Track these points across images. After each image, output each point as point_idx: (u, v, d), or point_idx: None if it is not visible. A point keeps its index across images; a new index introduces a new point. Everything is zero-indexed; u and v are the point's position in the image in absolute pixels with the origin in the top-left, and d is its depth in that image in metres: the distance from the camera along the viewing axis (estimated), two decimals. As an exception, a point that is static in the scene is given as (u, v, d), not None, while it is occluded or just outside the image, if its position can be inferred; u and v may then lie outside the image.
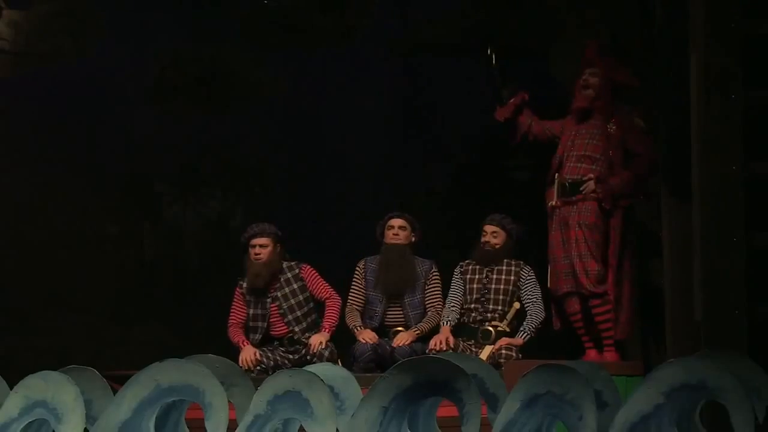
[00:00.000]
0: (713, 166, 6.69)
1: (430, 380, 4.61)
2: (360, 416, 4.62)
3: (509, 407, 4.57)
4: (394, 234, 7.99)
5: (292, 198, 9.36)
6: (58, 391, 4.88)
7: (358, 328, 7.88)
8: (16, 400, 4.95)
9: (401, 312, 7.98)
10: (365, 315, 8.02)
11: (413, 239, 8.05)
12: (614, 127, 7.45)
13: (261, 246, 7.82)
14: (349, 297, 8.03)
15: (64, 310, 9.09)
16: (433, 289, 7.99)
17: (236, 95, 9.65)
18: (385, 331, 7.93)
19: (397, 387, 4.61)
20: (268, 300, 7.85)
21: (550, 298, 7.75)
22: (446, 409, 4.88)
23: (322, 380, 4.67)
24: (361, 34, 9.57)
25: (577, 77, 7.58)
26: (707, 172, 6.73)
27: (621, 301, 7.47)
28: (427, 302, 7.97)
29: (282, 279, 7.86)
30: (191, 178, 9.78)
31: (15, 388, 4.97)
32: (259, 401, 4.72)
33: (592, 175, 7.41)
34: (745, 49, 6.66)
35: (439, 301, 7.95)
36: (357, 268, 8.12)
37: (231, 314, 7.95)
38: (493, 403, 5.02)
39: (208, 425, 4.72)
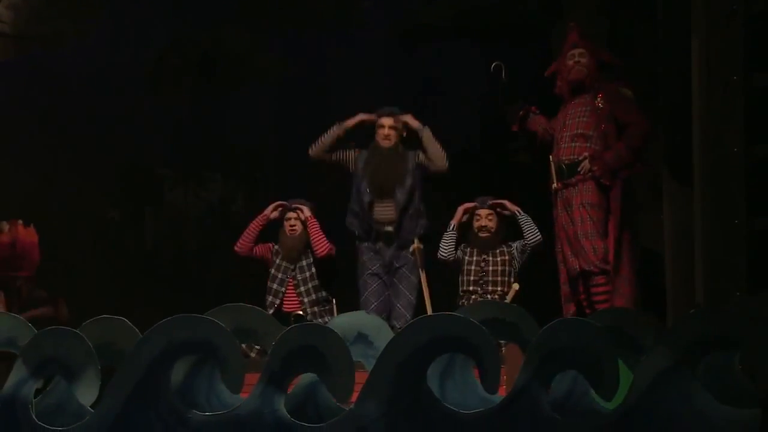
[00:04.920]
0: (715, 150, 6.68)
1: (445, 336, 4.50)
2: (377, 374, 4.52)
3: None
4: (385, 135, 7.85)
5: (292, 181, 9.34)
6: (69, 347, 4.74)
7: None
8: (26, 359, 4.79)
9: (392, 206, 7.83)
10: (355, 201, 7.89)
11: (404, 134, 7.89)
12: (602, 102, 7.42)
13: (296, 219, 7.94)
14: None
15: (64, 296, 9.08)
16: None
17: (236, 79, 9.64)
18: (375, 231, 7.82)
19: (414, 344, 4.49)
20: (291, 268, 7.92)
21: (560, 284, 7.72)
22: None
23: (335, 332, 4.55)
24: (360, 16, 9.54)
25: (562, 60, 7.56)
26: (709, 156, 6.73)
27: (620, 272, 7.43)
28: None
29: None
30: (192, 162, 9.78)
31: (23, 347, 4.81)
32: (273, 358, 4.58)
33: (586, 154, 7.38)
34: (746, 32, 6.64)
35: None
36: (349, 154, 7.97)
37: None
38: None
39: (225, 381, 4.61)
